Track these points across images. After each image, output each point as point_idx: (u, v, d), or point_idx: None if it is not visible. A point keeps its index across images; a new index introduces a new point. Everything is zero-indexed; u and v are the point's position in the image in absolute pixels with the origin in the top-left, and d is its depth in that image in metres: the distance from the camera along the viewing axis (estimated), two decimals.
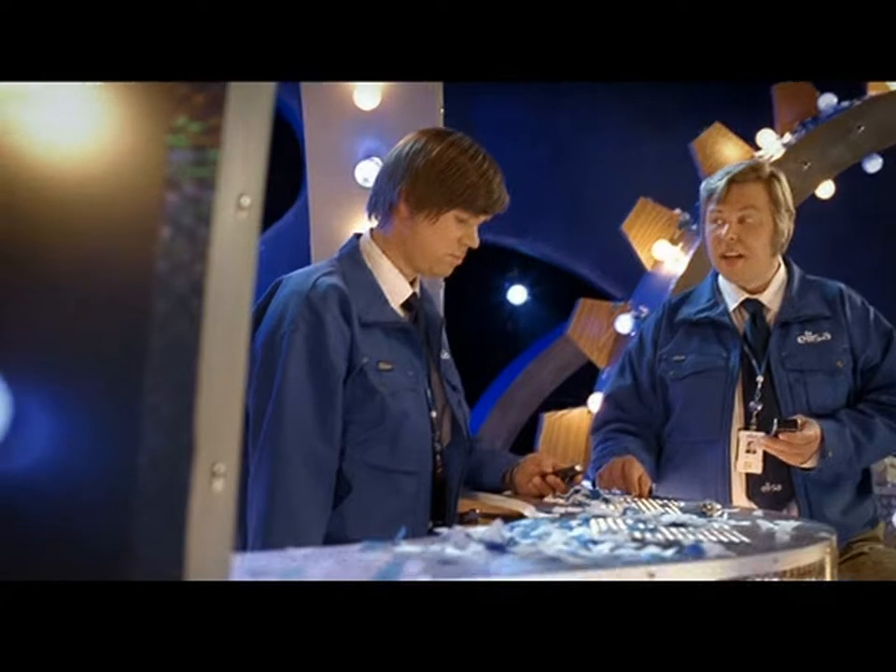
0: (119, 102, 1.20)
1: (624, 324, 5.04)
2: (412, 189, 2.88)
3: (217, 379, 1.19)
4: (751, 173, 3.49)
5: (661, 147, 6.59)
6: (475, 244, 2.94)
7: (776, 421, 3.25)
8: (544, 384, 7.91)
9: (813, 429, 3.27)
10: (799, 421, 3.25)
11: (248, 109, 1.25)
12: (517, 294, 8.83)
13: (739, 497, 3.40)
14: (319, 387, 2.76)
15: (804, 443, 3.25)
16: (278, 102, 6.96)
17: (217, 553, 1.24)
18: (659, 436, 3.55)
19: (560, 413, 5.19)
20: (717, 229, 3.49)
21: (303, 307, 2.78)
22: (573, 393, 5.98)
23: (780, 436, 3.23)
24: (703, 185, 3.58)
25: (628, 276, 5.69)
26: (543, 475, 2.97)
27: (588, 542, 1.88)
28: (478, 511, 3.10)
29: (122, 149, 1.20)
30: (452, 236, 2.90)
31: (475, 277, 8.37)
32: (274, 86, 1.31)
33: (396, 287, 2.94)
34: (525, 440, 6.47)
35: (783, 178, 3.53)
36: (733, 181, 3.47)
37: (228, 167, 1.20)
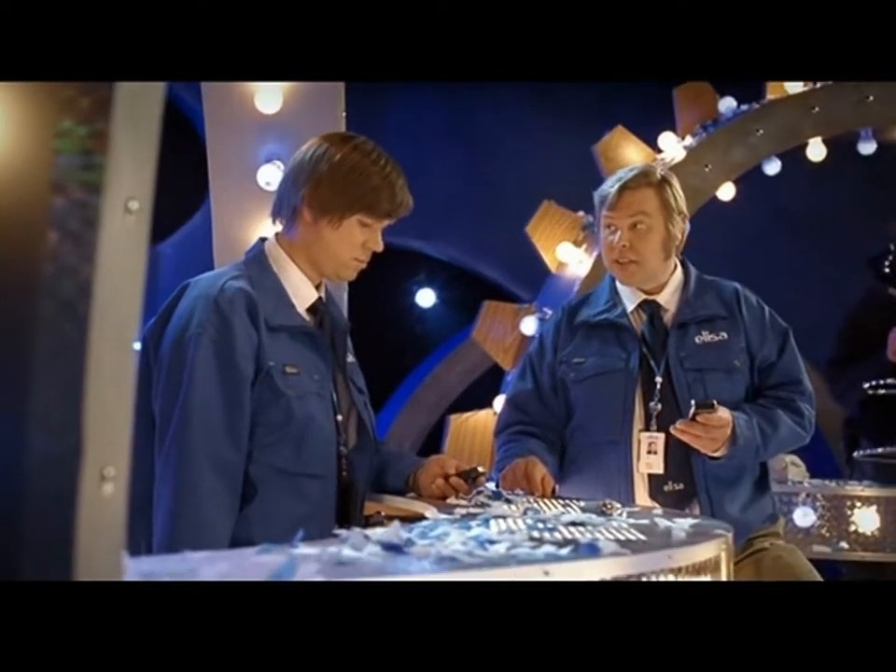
0: (3, 104, 1.20)
1: (529, 326, 5.06)
2: (314, 193, 2.88)
3: (106, 382, 1.19)
4: (642, 178, 3.51)
5: (569, 149, 6.63)
6: (379, 248, 2.95)
7: (693, 403, 3.27)
8: (452, 386, 7.95)
9: (726, 413, 3.31)
10: (715, 403, 3.29)
11: (136, 113, 1.25)
12: (425, 297, 8.85)
13: (642, 497, 3.43)
14: (226, 391, 2.76)
15: (720, 425, 3.27)
16: (185, 104, 6.89)
17: (107, 556, 1.24)
18: (562, 438, 3.58)
19: (466, 415, 5.20)
20: (609, 235, 3.52)
21: (211, 310, 2.78)
22: (480, 395, 6.01)
23: (698, 418, 3.25)
24: (597, 190, 3.60)
25: (535, 279, 5.72)
26: (446, 476, 2.99)
27: (485, 542, 1.89)
28: (383, 513, 3.11)
29: (7, 153, 1.19)
30: (356, 241, 2.91)
31: (383, 280, 8.40)
32: (163, 90, 1.31)
33: (301, 292, 2.95)
34: (434, 442, 6.49)
35: (675, 182, 3.56)
36: (624, 187, 3.49)
37: (115, 171, 1.20)
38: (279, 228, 2.99)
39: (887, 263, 5.07)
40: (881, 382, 4.97)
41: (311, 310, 2.97)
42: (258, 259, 2.96)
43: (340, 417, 2.94)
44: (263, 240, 3.02)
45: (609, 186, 3.54)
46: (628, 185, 3.49)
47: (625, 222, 3.48)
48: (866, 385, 5.00)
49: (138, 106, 1.26)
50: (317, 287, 2.99)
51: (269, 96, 4.10)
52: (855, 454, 5.16)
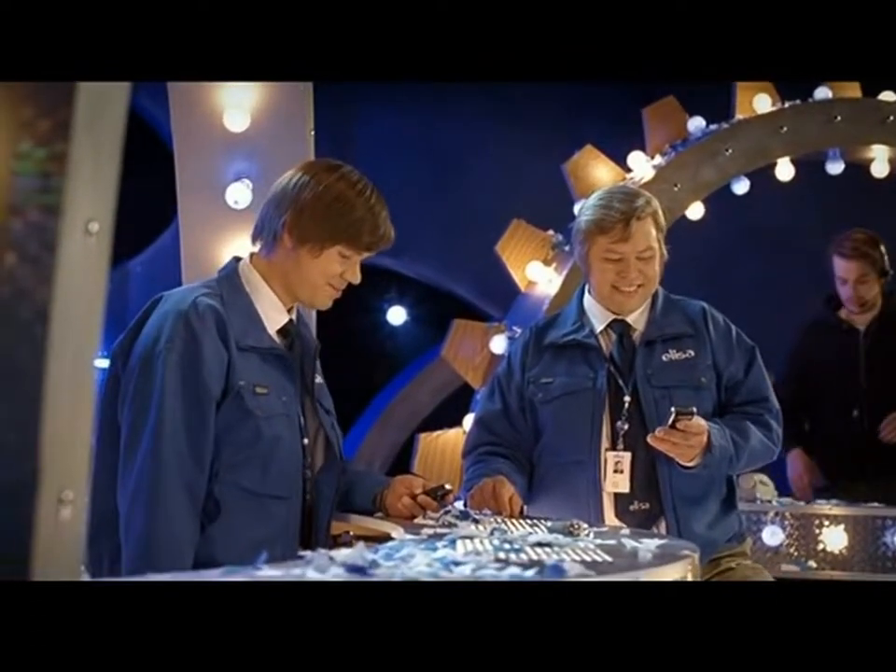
0: None
1: (499, 345, 5.06)
2: (296, 220, 2.88)
3: (64, 406, 1.18)
4: (647, 207, 3.48)
5: (539, 168, 6.64)
6: (357, 280, 2.95)
7: (672, 409, 3.26)
8: (422, 404, 7.93)
9: (703, 421, 3.31)
10: (694, 410, 3.29)
11: (97, 135, 1.25)
12: (396, 315, 8.84)
13: (610, 517, 3.44)
14: (192, 409, 2.76)
15: (698, 432, 3.27)
16: (157, 121, 6.85)
17: (64, 577, 1.23)
18: (530, 458, 3.57)
19: (435, 433, 5.20)
20: (613, 265, 3.48)
21: (181, 326, 2.77)
22: (451, 413, 6.00)
23: (678, 424, 3.24)
24: (587, 215, 3.52)
25: (506, 297, 5.72)
26: (413, 495, 2.98)
27: (450, 564, 1.89)
28: (351, 533, 3.10)
29: None
30: (334, 271, 2.91)
31: (354, 298, 8.37)
32: (124, 112, 1.31)
33: (273, 314, 2.94)
34: (404, 460, 6.47)
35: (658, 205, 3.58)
36: (633, 218, 3.44)
37: (74, 193, 1.20)
38: (255, 249, 2.98)
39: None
40: None
41: (282, 332, 2.96)
42: (230, 278, 2.95)
43: (306, 441, 2.93)
44: (237, 259, 3.01)
45: (605, 213, 3.47)
46: (638, 216, 3.45)
47: (636, 254, 3.46)
48: None
49: (99, 128, 1.25)
50: (289, 310, 2.98)
51: (237, 114, 4.10)
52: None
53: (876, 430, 5.17)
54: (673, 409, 3.27)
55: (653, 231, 3.48)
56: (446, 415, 6.41)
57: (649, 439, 3.30)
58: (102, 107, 1.25)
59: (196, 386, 2.76)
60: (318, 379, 3.06)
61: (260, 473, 2.82)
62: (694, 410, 3.27)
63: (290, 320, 2.98)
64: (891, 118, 5.52)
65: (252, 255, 2.99)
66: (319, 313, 4.23)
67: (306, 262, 2.89)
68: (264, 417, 2.82)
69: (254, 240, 2.98)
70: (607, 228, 3.46)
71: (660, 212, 3.54)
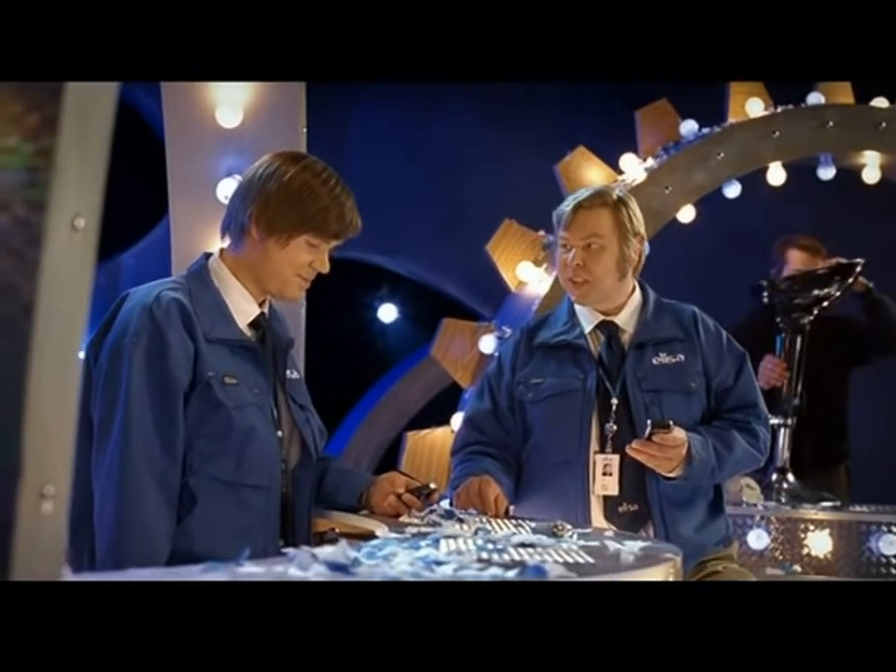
0: None
1: (488, 344, 5.06)
2: (262, 212, 2.90)
3: (47, 401, 1.19)
4: (597, 199, 3.53)
5: (531, 168, 6.64)
6: (325, 269, 2.96)
7: (649, 422, 3.28)
8: (410, 402, 7.94)
9: (682, 433, 3.31)
10: (671, 423, 3.30)
11: (85, 130, 1.25)
12: (387, 312, 8.85)
13: (597, 519, 3.44)
14: (161, 401, 2.78)
15: (675, 445, 3.27)
16: (153, 116, 6.84)
17: (46, 574, 1.23)
18: (518, 458, 3.58)
19: (423, 432, 5.20)
20: (564, 254, 3.54)
21: (145, 320, 2.80)
22: (439, 412, 6.01)
23: (654, 437, 3.25)
24: (555, 210, 3.61)
25: (497, 296, 5.73)
26: (398, 494, 2.99)
27: (432, 563, 1.89)
28: (337, 530, 3.10)
29: None
30: (302, 261, 2.93)
31: (345, 295, 8.40)
32: (113, 107, 1.31)
33: (242, 307, 2.96)
34: (392, 458, 6.48)
35: (632, 204, 3.58)
36: (579, 207, 3.52)
37: (61, 189, 1.20)
38: (225, 244, 3.00)
39: (765, 295, 5.11)
40: None
41: (253, 325, 2.98)
42: (199, 274, 2.97)
43: (280, 433, 2.94)
44: (208, 255, 3.03)
45: (566, 205, 3.56)
46: (583, 205, 3.51)
47: (579, 242, 3.50)
48: None
49: (87, 123, 1.25)
50: (261, 304, 3.00)
51: (229, 110, 4.10)
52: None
53: (814, 426, 5.20)
54: (649, 422, 3.29)
55: (605, 225, 3.51)
56: (435, 414, 6.41)
57: (627, 449, 3.31)
58: (90, 103, 1.26)
59: (163, 378, 2.78)
60: (294, 374, 3.07)
61: (235, 464, 2.83)
62: (671, 423, 3.28)
63: (262, 313, 3.00)
64: (883, 124, 5.54)
65: (221, 250, 3.01)
66: (310, 309, 4.25)
67: (274, 253, 2.91)
68: (235, 407, 2.84)
69: (223, 234, 3.01)
70: (560, 218, 3.56)
71: (626, 208, 3.54)
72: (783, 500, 4.96)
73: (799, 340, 5.07)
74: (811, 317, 5.04)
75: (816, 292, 4.99)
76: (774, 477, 5.03)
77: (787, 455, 5.05)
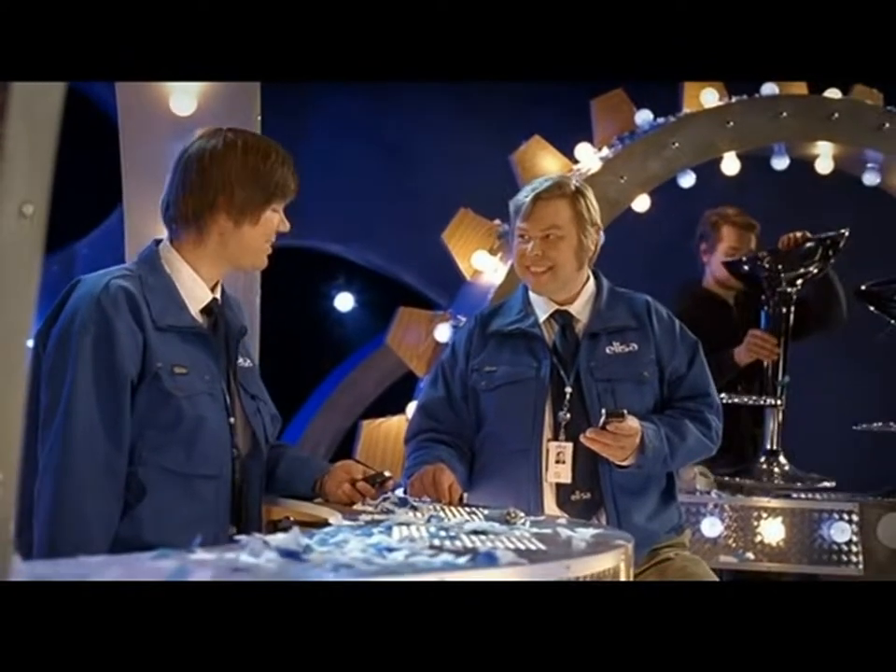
0: None
1: (443, 333, 5.07)
2: (231, 200, 2.91)
3: None
4: (556, 190, 3.55)
5: (487, 157, 6.65)
6: (287, 227, 3.02)
7: (603, 411, 3.30)
8: (367, 390, 7.94)
9: (636, 423, 3.34)
10: (625, 412, 3.32)
11: (33, 117, 1.25)
12: (344, 301, 8.85)
13: (550, 506, 3.46)
14: (107, 391, 2.77)
15: (629, 434, 3.30)
16: (107, 105, 6.80)
17: None
18: (472, 446, 3.59)
19: (378, 420, 5.20)
20: (522, 244, 3.55)
21: (93, 309, 2.80)
22: (395, 400, 6.01)
23: (608, 426, 3.27)
24: (512, 200, 3.62)
25: (453, 285, 5.73)
26: (353, 481, 3.00)
27: (384, 550, 1.91)
28: (291, 518, 3.10)
29: None
30: (272, 228, 2.99)
31: (302, 284, 8.39)
32: (61, 94, 1.30)
33: (195, 293, 2.96)
34: (349, 446, 6.48)
35: (589, 194, 3.60)
36: (538, 198, 3.53)
37: (9, 176, 1.20)
38: (171, 234, 2.99)
39: (745, 268, 5.13)
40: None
41: (206, 311, 2.98)
42: (150, 260, 2.97)
43: (232, 420, 2.94)
44: (158, 241, 3.02)
45: (524, 196, 3.57)
46: (541, 196, 3.52)
47: (538, 233, 3.51)
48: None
49: (35, 110, 1.25)
50: (213, 289, 3.00)
51: (184, 98, 4.09)
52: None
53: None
54: (604, 410, 3.31)
55: (564, 215, 3.53)
56: (390, 402, 6.42)
57: (581, 438, 3.33)
58: (38, 91, 1.25)
59: (109, 368, 2.78)
60: (247, 362, 3.07)
61: (185, 454, 2.83)
62: (625, 412, 3.31)
63: (214, 299, 3.00)
64: (836, 115, 5.57)
65: (171, 238, 3.00)
66: (266, 298, 4.25)
67: (248, 232, 2.94)
68: (185, 397, 2.84)
69: (167, 225, 3.00)
70: (518, 208, 3.57)
71: (584, 198, 3.57)
72: (777, 483, 4.97)
73: (785, 311, 5.07)
74: (797, 288, 5.06)
75: (805, 264, 5.02)
76: (763, 459, 5.04)
77: (778, 437, 5.05)
